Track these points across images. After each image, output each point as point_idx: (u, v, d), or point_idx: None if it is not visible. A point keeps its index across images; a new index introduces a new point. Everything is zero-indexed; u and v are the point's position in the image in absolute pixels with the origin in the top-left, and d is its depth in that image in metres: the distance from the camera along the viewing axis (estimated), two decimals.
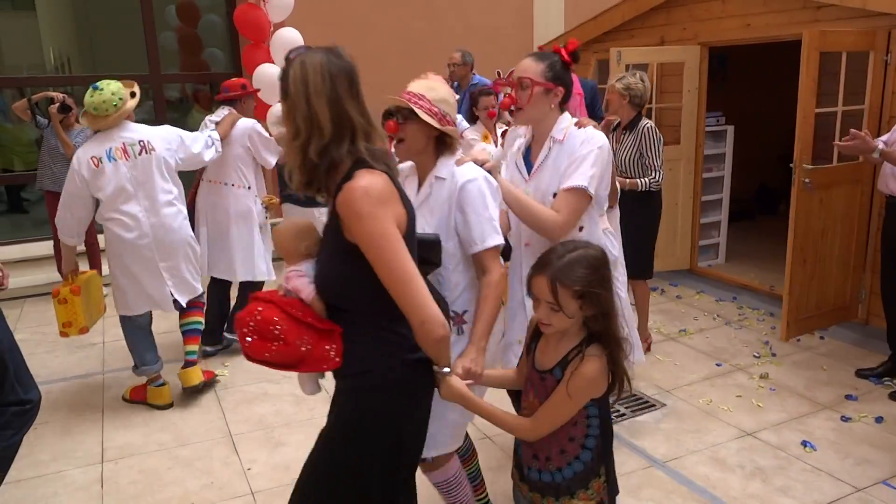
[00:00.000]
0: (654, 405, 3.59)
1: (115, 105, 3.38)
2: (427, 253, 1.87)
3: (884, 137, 3.83)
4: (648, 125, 3.88)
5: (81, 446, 3.32)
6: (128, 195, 3.42)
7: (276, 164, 4.27)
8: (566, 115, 2.33)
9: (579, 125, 2.30)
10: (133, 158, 3.43)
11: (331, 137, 1.57)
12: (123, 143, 3.42)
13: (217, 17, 6.85)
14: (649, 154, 3.86)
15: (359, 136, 1.60)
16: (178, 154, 3.60)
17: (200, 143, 3.75)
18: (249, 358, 1.64)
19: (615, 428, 3.29)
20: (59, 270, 4.74)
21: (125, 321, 3.66)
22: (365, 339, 1.66)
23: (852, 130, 3.48)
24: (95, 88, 3.38)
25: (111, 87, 3.39)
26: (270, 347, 1.61)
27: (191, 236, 3.66)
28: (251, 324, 1.62)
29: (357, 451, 1.70)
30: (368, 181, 1.55)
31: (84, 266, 4.30)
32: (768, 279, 5.20)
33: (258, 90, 4.68)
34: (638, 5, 5.70)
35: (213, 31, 6.87)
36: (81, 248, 4.22)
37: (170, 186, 3.53)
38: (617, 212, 3.20)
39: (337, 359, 1.66)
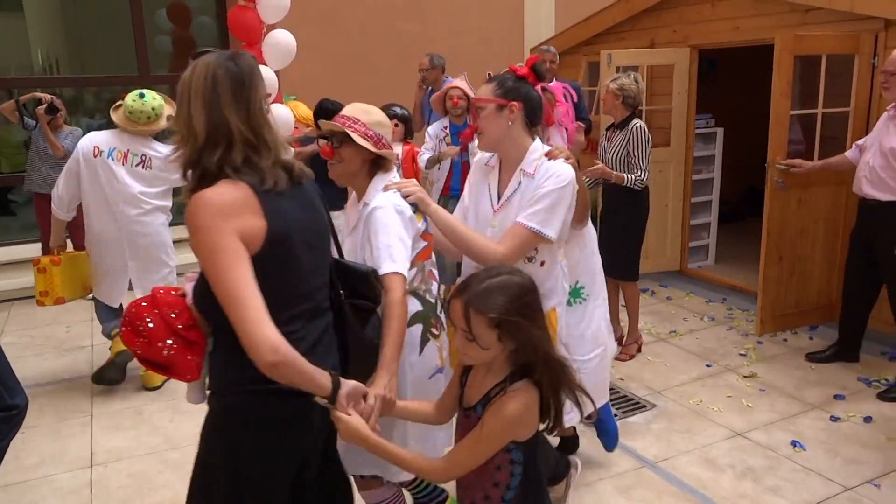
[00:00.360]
0: (644, 406, 3.61)
1: (149, 118, 3.65)
2: (356, 284, 1.78)
3: (859, 141, 3.87)
4: (638, 125, 3.91)
5: (70, 450, 3.29)
6: (111, 190, 3.64)
7: None
8: (537, 143, 2.20)
9: (550, 156, 2.16)
10: (130, 166, 3.66)
11: (203, 143, 1.47)
12: (128, 151, 3.66)
13: (209, 19, 6.82)
14: (636, 154, 3.88)
15: (236, 145, 1.47)
16: (171, 176, 3.76)
17: None
18: (128, 349, 1.62)
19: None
20: (46, 245, 4.79)
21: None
22: (218, 357, 1.59)
23: (797, 160, 4.10)
24: (141, 96, 3.63)
25: (153, 103, 3.65)
26: (136, 342, 1.59)
27: (167, 243, 3.81)
28: (126, 315, 1.61)
29: (197, 481, 1.63)
30: (215, 192, 1.43)
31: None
32: (757, 280, 5.21)
33: None
34: (628, 8, 5.73)
35: (204, 33, 6.85)
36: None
37: (153, 197, 3.74)
38: (591, 230, 2.86)
39: (197, 372, 1.61)
